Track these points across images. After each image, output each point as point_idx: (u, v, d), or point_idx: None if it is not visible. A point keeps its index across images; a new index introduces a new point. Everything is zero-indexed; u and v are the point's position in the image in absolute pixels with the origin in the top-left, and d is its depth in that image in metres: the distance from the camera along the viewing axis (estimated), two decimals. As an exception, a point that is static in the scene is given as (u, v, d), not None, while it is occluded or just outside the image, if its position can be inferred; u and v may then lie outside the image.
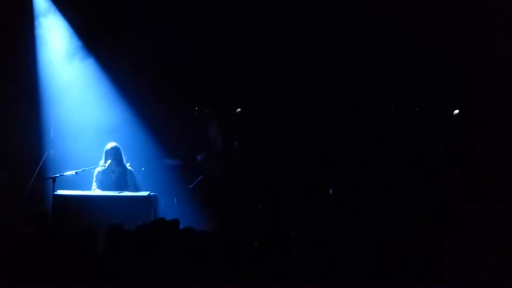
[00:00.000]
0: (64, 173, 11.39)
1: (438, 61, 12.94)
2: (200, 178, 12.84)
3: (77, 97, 13.02)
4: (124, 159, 11.58)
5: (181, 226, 8.31)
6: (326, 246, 7.73)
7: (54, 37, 13.10)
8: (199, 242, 7.69)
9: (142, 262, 7.41)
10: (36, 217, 8.60)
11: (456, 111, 13.53)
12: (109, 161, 11.43)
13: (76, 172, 11.35)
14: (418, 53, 12.91)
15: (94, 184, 11.54)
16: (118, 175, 11.51)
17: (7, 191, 12.41)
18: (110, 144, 11.53)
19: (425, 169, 12.85)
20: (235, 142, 13.50)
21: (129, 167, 11.60)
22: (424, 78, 13.12)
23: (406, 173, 12.83)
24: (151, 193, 11.02)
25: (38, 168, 12.17)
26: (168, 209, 12.20)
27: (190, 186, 12.83)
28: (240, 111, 13.77)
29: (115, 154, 11.44)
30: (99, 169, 11.52)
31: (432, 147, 13.14)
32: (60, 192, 10.99)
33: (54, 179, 11.12)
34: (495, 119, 12.79)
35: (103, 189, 11.42)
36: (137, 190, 11.40)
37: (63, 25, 13.09)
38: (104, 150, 11.51)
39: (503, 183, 11.77)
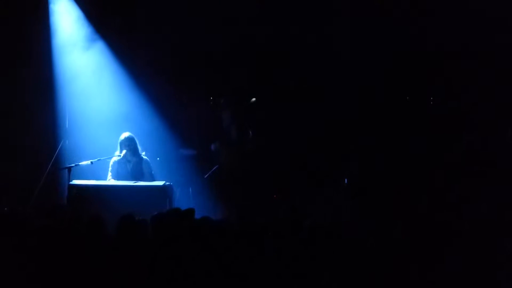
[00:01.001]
0: (80, 163, 11.41)
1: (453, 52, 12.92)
2: (215, 167, 12.84)
3: (93, 87, 13.04)
4: (140, 149, 11.58)
5: (197, 216, 8.30)
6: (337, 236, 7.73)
7: (68, 25, 13.10)
8: (215, 232, 7.70)
9: (157, 252, 7.40)
10: (53, 209, 8.63)
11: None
12: (124, 151, 11.43)
13: (91, 162, 11.36)
14: (435, 42, 12.88)
15: (109, 174, 11.55)
16: (133, 165, 11.51)
17: (23, 181, 12.48)
18: (124, 134, 11.53)
19: (441, 160, 12.83)
20: (250, 132, 13.49)
21: (144, 157, 11.60)
22: (440, 68, 13.08)
23: (420, 164, 12.81)
24: (167, 183, 11.02)
25: (53, 158, 12.19)
26: (183, 199, 12.21)
27: (206, 176, 12.83)
28: (255, 101, 13.75)
29: (129, 144, 11.44)
30: (114, 159, 11.53)
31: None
32: (75, 182, 11.01)
33: (69, 169, 11.14)
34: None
35: (119, 179, 11.41)
36: (153, 180, 11.39)
37: (76, 12, 13.08)
38: (119, 140, 11.51)
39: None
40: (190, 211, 8.33)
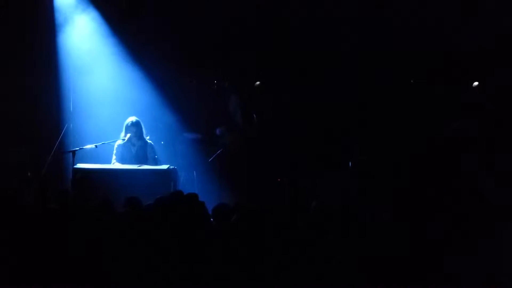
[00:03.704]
0: (84, 147, 11.44)
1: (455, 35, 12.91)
2: (219, 151, 12.85)
3: (97, 70, 13.03)
4: (144, 133, 11.60)
5: (201, 199, 8.30)
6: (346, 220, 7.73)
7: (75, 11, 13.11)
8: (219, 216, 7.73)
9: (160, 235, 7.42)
10: (58, 194, 8.65)
11: (476, 83, 13.44)
12: (128, 135, 11.45)
13: (95, 146, 11.39)
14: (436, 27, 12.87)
15: (114, 158, 11.57)
16: (138, 148, 11.53)
17: (27, 164, 12.49)
18: (131, 119, 11.55)
19: (444, 143, 12.84)
20: (254, 115, 13.48)
21: (149, 141, 11.62)
22: (442, 51, 13.06)
23: (424, 147, 12.82)
24: (171, 167, 11.03)
25: (57, 142, 12.18)
26: (187, 183, 12.24)
27: (210, 160, 12.84)
28: (259, 85, 13.74)
29: (135, 128, 11.47)
30: (119, 142, 11.54)
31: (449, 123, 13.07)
32: (79, 165, 11.02)
33: (73, 152, 11.16)
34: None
35: (123, 162, 11.44)
36: (157, 164, 11.41)
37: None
38: (124, 124, 11.53)
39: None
40: (193, 196, 8.33)
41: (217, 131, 13.26)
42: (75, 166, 10.97)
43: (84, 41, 13.06)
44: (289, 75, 13.29)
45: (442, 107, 13.20)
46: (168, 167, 10.99)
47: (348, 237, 7.41)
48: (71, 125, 12.94)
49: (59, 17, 13.01)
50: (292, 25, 13.05)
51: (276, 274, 7.15)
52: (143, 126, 11.58)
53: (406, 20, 12.81)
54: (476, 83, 13.40)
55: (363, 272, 7.17)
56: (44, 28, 12.95)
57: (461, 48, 12.84)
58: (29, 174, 11.07)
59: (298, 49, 13.16)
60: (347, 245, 7.31)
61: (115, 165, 11.41)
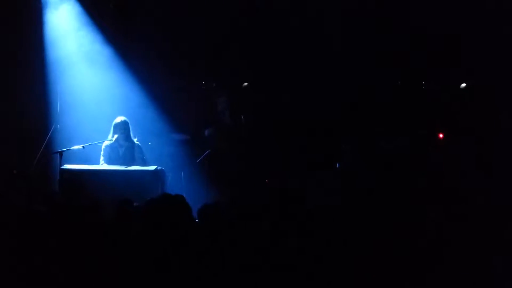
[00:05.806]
0: (71, 147, 11.40)
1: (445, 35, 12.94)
2: (207, 152, 12.84)
3: (85, 71, 13.00)
4: (132, 134, 11.57)
5: (188, 201, 8.27)
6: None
7: (61, 10, 13.06)
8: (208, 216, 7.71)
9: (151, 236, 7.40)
10: (45, 194, 8.61)
11: (463, 85, 13.47)
12: (116, 136, 11.42)
13: (83, 146, 11.36)
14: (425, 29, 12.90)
15: (101, 159, 11.54)
16: (125, 149, 11.50)
17: (14, 165, 12.45)
18: (119, 118, 11.52)
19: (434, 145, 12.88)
20: (242, 116, 13.48)
21: (136, 142, 11.59)
22: (431, 52, 13.09)
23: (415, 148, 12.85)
24: (158, 167, 11.01)
25: (45, 143, 12.15)
26: (175, 184, 12.21)
27: (198, 161, 12.83)
28: (247, 85, 13.74)
29: (123, 128, 11.44)
30: (106, 143, 11.52)
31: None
32: (67, 166, 10.99)
33: (61, 153, 11.13)
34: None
35: (110, 163, 11.41)
36: (145, 165, 11.38)
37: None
38: (113, 124, 11.50)
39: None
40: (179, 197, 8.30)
41: (205, 132, 13.26)
42: (62, 167, 10.94)
43: (71, 40, 13.02)
44: (278, 75, 13.30)
45: (432, 107, 13.26)
46: (155, 168, 10.96)
47: (341, 238, 7.41)
48: (58, 125, 12.91)
49: (44, 14, 12.99)
50: (282, 25, 13.06)
51: (264, 274, 7.14)
52: (130, 127, 11.56)
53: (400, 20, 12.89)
54: (463, 85, 13.44)
55: (356, 273, 7.18)
56: (29, 26, 12.91)
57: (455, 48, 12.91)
58: (14, 172, 11.00)
59: (287, 49, 13.16)
60: (341, 246, 7.31)
61: (103, 166, 11.39)
